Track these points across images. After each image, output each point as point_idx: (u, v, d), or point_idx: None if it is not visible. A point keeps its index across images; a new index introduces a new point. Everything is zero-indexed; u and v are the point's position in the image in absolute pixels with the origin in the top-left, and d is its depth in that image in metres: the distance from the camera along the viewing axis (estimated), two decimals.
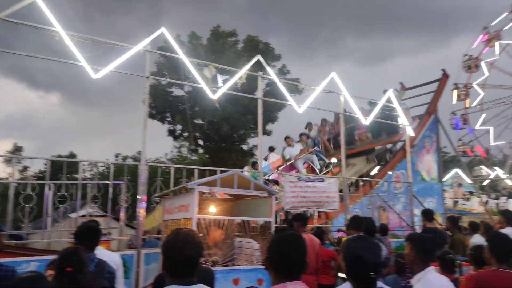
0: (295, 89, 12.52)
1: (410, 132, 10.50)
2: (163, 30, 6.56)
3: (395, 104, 9.79)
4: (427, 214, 6.62)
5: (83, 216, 6.73)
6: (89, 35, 5.85)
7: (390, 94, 9.64)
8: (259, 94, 7.78)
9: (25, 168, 31.78)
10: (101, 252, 3.78)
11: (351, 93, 8.71)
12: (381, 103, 9.22)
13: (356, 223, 5.70)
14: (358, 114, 8.80)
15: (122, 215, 6.22)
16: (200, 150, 23.37)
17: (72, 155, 33.38)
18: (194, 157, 28.69)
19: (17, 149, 32.54)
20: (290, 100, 7.86)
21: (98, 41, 5.85)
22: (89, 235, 3.47)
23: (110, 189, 6.39)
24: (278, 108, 20.16)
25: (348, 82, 8.65)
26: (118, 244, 7.91)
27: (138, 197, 5.84)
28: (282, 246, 1.91)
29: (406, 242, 3.04)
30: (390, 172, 12.22)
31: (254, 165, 10.17)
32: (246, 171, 9.88)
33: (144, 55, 6.30)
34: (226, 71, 7.24)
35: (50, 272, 3.41)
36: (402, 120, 10.02)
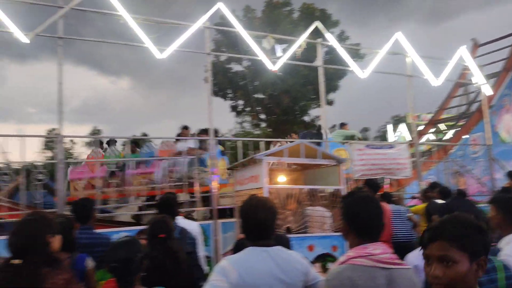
0: (356, 54, 12.06)
1: (487, 91, 9.64)
2: (219, 5, 6.59)
3: (469, 61, 9.03)
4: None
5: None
6: (150, 16, 6.06)
7: (463, 51, 8.88)
8: (319, 62, 7.59)
9: (105, 150, 34.36)
10: (180, 221, 4.04)
11: (419, 54, 8.16)
12: (453, 61, 8.55)
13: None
14: (427, 75, 8.25)
15: (197, 188, 6.53)
16: (263, 124, 23.59)
17: (145, 135, 35.40)
18: (256, 132, 29.10)
19: (95, 133, 35.09)
20: (353, 65, 7.56)
21: (159, 22, 6.04)
22: (169, 204, 3.71)
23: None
24: (339, 76, 19.58)
25: (414, 43, 8.11)
26: (196, 215, 8.38)
27: (209, 170, 6.09)
28: (359, 207, 1.90)
29: (490, 204, 2.87)
30: (466, 136, 11.42)
31: (342, 126, 9.72)
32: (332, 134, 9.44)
33: (203, 33, 6.39)
34: (284, 41, 7.13)
35: (143, 241, 3.74)
36: (478, 78, 9.23)
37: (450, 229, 1.47)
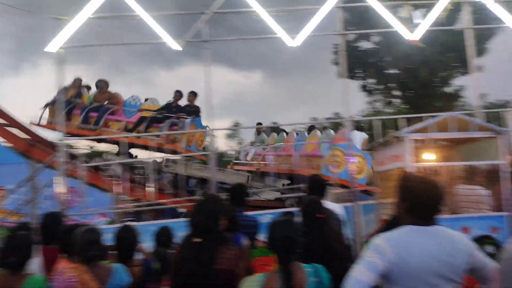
0: (510, 7, 10.23)
1: None
2: None
3: None
4: None
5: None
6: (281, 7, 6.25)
7: None
8: (465, 23, 6.72)
9: (241, 140, 36.98)
10: (325, 203, 4.14)
11: None
12: None
13: None
14: None
15: (334, 170, 6.58)
16: (396, 101, 22.13)
17: (275, 123, 36.87)
18: (389, 110, 27.48)
19: (235, 125, 37.79)
20: (508, 19, 6.45)
21: (289, 11, 6.20)
22: (320, 185, 3.84)
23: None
24: (487, 37, 17.03)
25: None
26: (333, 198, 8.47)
27: (348, 152, 6.06)
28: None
29: None
30: None
31: None
32: None
33: (330, 15, 6.29)
34: (423, 6, 6.52)
35: None
36: None
37: None
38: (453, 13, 6.96)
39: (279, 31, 5.99)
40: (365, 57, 19.18)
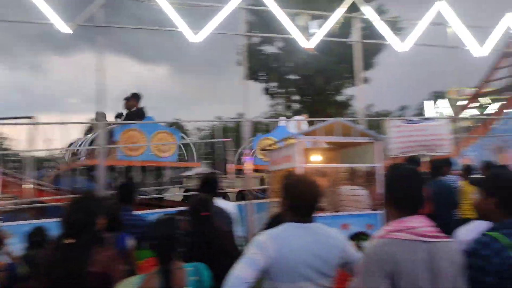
0: (394, 28, 11.51)
1: None
2: None
3: None
4: None
5: (197, 174, 7.39)
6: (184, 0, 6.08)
7: (510, 18, 8.31)
8: (355, 37, 7.35)
9: None
10: (218, 201, 4.13)
11: (461, 23, 7.70)
12: (498, 29, 8.02)
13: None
14: (471, 45, 7.79)
15: (232, 168, 6.64)
16: (296, 106, 23.36)
17: (177, 120, 36.12)
18: (289, 114, 28.92)
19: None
20: (391, 38, 7.23)
21: (193, 5, 6.06)
22: (211, 184, 3.79)
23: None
24: (375, 53, 18.93)
25: (457, 12, 7.65)
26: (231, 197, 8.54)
27: (243, 151, 6.16)
28: (399, 180, 1.89)
29: None
30: (510, 109, 10.83)
31: None
32: None
33: (237, 14, 6.34)
34: (319, 16, 6.94)
35: None
36: None
37: None
38: (347, 26, 7.54)
39: (181, 25, 5.84)
40: (268, 61, 19.83)
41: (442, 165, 5.53)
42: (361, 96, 7.72)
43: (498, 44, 8.60)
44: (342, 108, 21.43)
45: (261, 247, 1.96)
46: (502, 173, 2.12)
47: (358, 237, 4.76)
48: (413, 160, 5.60)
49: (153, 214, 5.21)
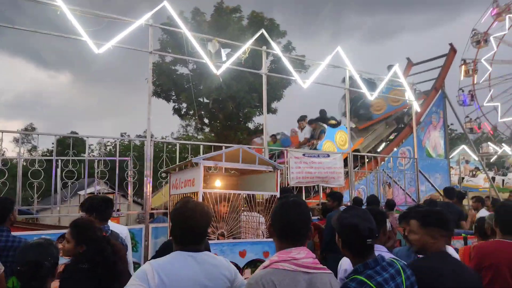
0: (301, 65, 12.35)
1: (416, 107, 10.41)
2: (165, 3, 6.44)
3: (402, 79, 9.69)
4: (448, 192, 6.60)
5: (92, 193, 6.82)
6: (90, 9, 5.77)
7: (396, 69, 9.53)
8: (263, 69, 7.70)
9: (34, 148, 32.10)
10: (110, 224, 3.85)
11: (357, 69, 8.63)
12: (387, 78, 9.12)
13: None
14: (363, 89, 8.71)
15: (130, 190, 6.29)
16: (206, 129, 23.35)
17: (74, 133, 33.67)
18: (200, 136, 28.77)
19: (31, 129, 32.60)
20: (295, 75, 7.77)
21: (100, 16, 5.77)
22: (103, 206, 3.52)
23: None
24: (283, 86, 19.99)
25: (354, 59, 8.58)
26: (126, 220, 8.04)
27: (145, 172, 5.90)
28: (283, 212, 1.94)
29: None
30: (396, 149, 12.20)
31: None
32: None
33: (147, 30, 6.21)
34: (230, 45, 7.14)
35: (61, 246, 3.51)
36: (409, 95, 9.93)
37: None
38: (260, 58, 7.87)
39: (84, 35, 5.51)
40: (180, 81, 19.66)
41: (341, 196, 5.96)
42: (266, 125, 8.01)
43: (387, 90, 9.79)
44: (253, 135, 21.99)
45: (144, 278, 1.86)
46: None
47: (255, 265, 4.81)
48: (284, 190, 5.82)
49: (38, 236, 4.71)
